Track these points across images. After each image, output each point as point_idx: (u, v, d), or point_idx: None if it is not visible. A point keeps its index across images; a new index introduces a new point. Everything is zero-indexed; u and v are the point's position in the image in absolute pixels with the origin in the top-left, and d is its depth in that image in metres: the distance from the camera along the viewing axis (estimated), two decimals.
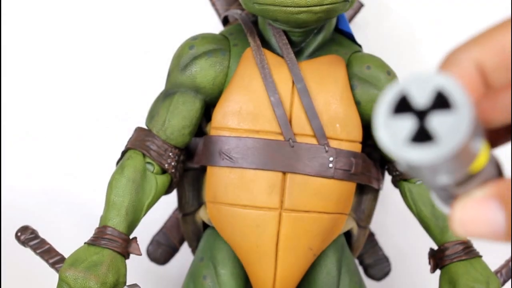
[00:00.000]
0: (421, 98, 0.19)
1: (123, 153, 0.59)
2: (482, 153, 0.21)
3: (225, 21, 0.66)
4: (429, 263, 0.59)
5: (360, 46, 0.62)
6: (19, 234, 0.56)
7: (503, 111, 0.23)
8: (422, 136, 0.18)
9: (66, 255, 0.56)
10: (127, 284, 0.57)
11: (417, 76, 0.19)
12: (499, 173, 0.24)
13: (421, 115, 0.19)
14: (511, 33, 0.22)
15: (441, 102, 0.19)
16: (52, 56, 0.78)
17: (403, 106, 0.19)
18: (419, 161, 0.18)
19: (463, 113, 0.18)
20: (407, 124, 0.19)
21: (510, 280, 0.60)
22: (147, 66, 0.77)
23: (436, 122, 0.18)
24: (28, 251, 0.74)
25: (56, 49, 0.78)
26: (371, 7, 0.77)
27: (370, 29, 0.77)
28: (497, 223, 0.22)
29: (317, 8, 0.53)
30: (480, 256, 0.58)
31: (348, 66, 0.59)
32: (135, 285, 0.58)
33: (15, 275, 0.74)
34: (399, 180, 0.60)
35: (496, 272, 0.58)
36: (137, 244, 0.57)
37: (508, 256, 0.62)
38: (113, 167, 0.76)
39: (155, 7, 0.78)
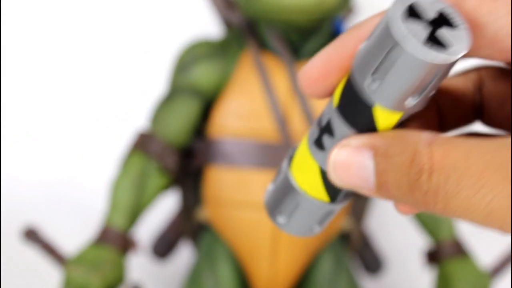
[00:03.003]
0: (430, 12, 0.21)
1: (126, 153, 0.60)
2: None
3: (225, 23, 0.66)
4: (424, 261, 0.60)
5: None
6: (25, 233, 0.56)
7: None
8: (435, 41, 0.20)
9: (66, 253, 0.56)
10: (128, 282, 0.57)
11: None
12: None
13: (431, 24, 0.21)
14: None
15: (444, 20, 0.21)
16: (53, 56, 0.78)
17: (414, 14, 0.21)
18: (436, 61, 0.20)
19: (465, 31, 0.21)
20: (422, 28, 0.20)
21: (510, 281, 0.61)
22: (147, 66, 0.78)
23: (445, 32, 0.21)
24: (28, 251, 0.74)
25: (57, 49, 0.78)
26: (368, 10, 0.77)
27: None
28: (367, 173, 0.22)
29: (313, 9, 0.53)
30: (472, 254, 0.58)
31: None
32: (136, 283, 0.58)
33: (15, 275, 0.74)
34: None
35: (496, 270, 0.59)
36: (139, 243, 0.57)
37: (498, 253, 0.63)
38: (113, 166, 0.76)
39: (155, 8, 0.78)
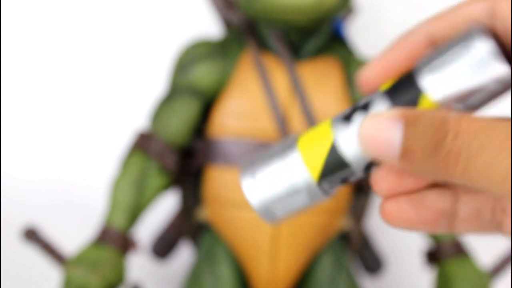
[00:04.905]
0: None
1: (126, 153, 0.60)
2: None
3: (225, 23, 0.66)
4: (424, 261, 0.60)
5: (355, 50, 0.62)
6: (25, 233, 0.56)
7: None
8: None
9: (66, 253, 0.56)
10: (128, 282, 0.57)
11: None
12: None
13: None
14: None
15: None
16: (53, 56, 0.78)
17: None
18: (501, 73, 0.23)
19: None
20: (496, 45, 0.24)
21: (510, 281, 0.61)
22: (147, 66, 0.78)
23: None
24: (28, 251, 0.74)
25: (57, 49, 0.78)
26: (368, 10, 0.77)
27: (367, 32, 0.77)
28: (394, 141, 0.23)
29: (313, 9, 0.53)
30: (472, 254, 0.58)
31: (346, 68, 0.59)
32: (136, 283, 0.58)
33: (15, 275, 0.74)
34: None
35: (496, 270, 0.59)
36: (139, 243, 0.57)
37: (498, 253, 0.63)
38: (113, 166, 0.76)
39: (155, 8, 0.78)
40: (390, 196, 0.26)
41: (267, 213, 0.26)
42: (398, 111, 0.23)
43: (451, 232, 0.26)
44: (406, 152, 0.23)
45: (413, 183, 0.26)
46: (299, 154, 0.26)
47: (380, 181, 0.26)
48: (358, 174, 0.26)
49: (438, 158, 0.22)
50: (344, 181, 0.26)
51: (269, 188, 0.26)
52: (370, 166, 0.25)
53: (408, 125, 0.23)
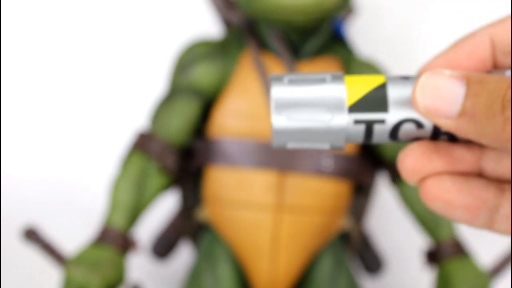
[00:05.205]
0: None
1: (126, 153, 0.60)
2: None
3: (225, 23, 0.66)
4: (424, 260, 0.60)
5: (355, 50, 0.63)
6: (25, 233, 0.56)
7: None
8: None
9: (66, 253, 0.56)
10: (128, 282, 0.57)
11: None
12: None
13: None
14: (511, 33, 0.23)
15: None
16: (53, 56, 0.78)
17: None
18: None
19: None
20: None
21: (510, 281, 0.61)
22: (147, 66, 0.78)
23: None
24: (28, 251, 0.74)
25: (57, 49, 0.78)
26: (368, 10, 0.77)
27: (367, 32, 0.77)
28: (455, 97, 0.23)
29: (313, 9, 0.53)
30: (472, 254, 0.58)
31: (346, 68, 0.59)
32: (136, 283, 0.58)
33: (15, 275, 0.74)
34: (396, 179, 0.61)
35: (496, 270, 0.59)
36: (139, 243, 0.57)
37: (498, 253, 0.63)
38: (113, 166, 0.76)
39: (155, 8, 0.78)
40: (414, 177, 0.26)
41: (282, 123, 0.24)
42: (458, 72, 0.23)
43: (488, 229, 0.26)
44: (466, 111, 0.22)
45: (441, 164, 0.25)
46: (343, 80, 0.25)
47: (408, 157, 0.25)
48: (384, 128, 0.25)
49: (499, 120, 0.22)
50: (369, 126, 0.25)
51: (298, 97, 0.24)
52: (400, 125, 0.24)
53: (474, 83, 0.22)
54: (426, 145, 0.25)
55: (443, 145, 0.26)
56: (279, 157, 0.57)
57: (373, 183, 0.63)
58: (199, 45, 0.61)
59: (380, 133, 0.25)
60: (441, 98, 0.23)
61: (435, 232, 0.58)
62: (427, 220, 0.59)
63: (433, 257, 0.59)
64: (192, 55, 0.60)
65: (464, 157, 0.26)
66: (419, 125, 0.25)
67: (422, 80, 0.23)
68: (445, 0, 0.77)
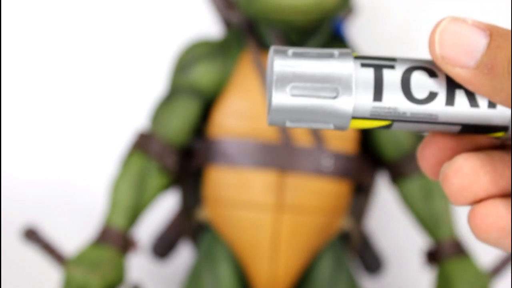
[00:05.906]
0: None
1: (126, 153, 0.60)
2: None
3: (225, 23, 0.66)
4: (424, 260, 0.60)
5: (355, 50, 0.62)
6: (25, 233, 0.56)
7: None
8: None
9: (66, 253, 0.56)
10: (128, 282, 0.57)
11: None
12: None
13: None
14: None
15: None
16: (53, 56, 0.78)
17: None
18: None
19: None
20: None
21: (510, 281, 0.61)
22: (147, 66, 0.78)
23: None
24: (28, 251, 0.74)
25: (57, 49, 0.78)
26: (368, 10, 0.77)
27: (367, 32, 0.77)
28: (475, 47, 0.21)
29: (312, 9, 0.53)
30: (472, 254, 0.58)
31: None
32: (136, 283, 0.58)
33: (15, 275, 0.74)
34: (396, 179, 0.61)
35: (496, 270, 0.59)
36: (139, 243, 0.57)
37: (498, 253, 0.63)
38: (113, 166, 0.76)
39: (155, 8, 0.78)
40: (432, 169, 0.24)
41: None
42: (482, 23, 0.22)
43: None
44: (486, 62, 0.21)
45: (487, 181, 0.23)
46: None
47: (455, 174, 0.23)
48: (395, 76, 0.23)
49: None
50: (379, 72, 0.23)
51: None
52: (411, 73, 0.23)
53: (498, 36, 0.21)
54: (473, 160, 0.23)
55: (487, 159, 0.23)
56: (279, 157, 0.57)
57: (373, 183, 0.63)
58: (199, 45, 0.61)
59: (392, 84, 0.23)
60: (460, 46, 0.21)
61: (435, 232, 0.58)
62: (427, 220, 0.59)
63: (433, 257, 0.59)
64: (192, 55, 0.60)
65: (504, 173, 0.23)
66: (431, 73, 0.23)
67: (443, 24, 0.22)
68: (445, 0, 0.77)
